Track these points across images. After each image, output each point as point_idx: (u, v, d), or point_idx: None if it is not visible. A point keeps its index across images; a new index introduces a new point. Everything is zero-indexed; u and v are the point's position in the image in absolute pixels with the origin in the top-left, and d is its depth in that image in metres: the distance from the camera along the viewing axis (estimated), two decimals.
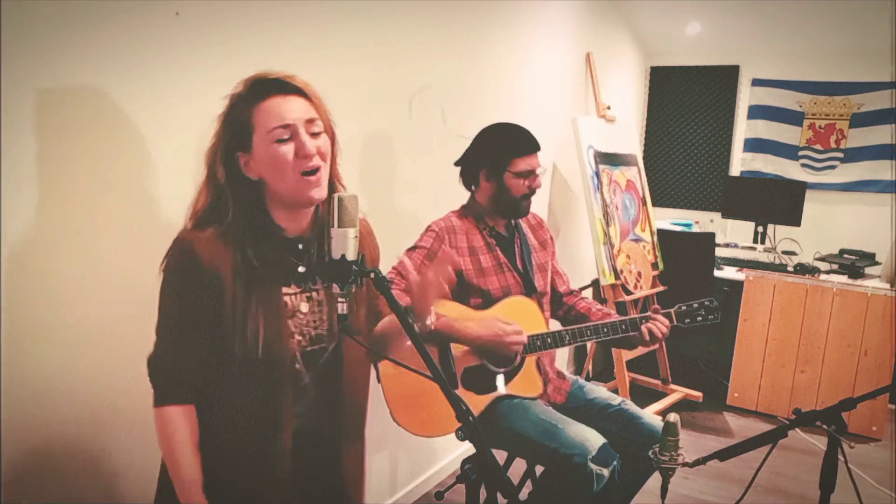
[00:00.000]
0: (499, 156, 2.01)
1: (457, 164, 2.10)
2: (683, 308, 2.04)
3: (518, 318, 1.97)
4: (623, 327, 1.97)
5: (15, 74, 1.27)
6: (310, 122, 1.19)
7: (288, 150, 1.16)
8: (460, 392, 1.89)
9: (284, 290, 1.23)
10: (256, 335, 1.17)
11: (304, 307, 1.25)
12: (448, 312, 1.87)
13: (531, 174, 2.01)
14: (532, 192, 2.04)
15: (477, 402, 1.92)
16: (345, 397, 1.33)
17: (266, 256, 1.20)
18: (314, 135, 1.19)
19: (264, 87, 1.18)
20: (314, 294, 1.27)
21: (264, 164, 1.18)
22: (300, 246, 1.25)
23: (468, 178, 2.10)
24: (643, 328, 1.96)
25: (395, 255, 1.99)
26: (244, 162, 1.19)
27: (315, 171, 1.18)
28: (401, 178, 2.45)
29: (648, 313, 2.00)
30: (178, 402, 1.19)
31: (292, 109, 1.17)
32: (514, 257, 2.09)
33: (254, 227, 1.20)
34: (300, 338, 1.25)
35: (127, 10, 1.44)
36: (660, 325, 1.96)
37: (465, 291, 1.99)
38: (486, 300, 1.99)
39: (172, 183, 1.58)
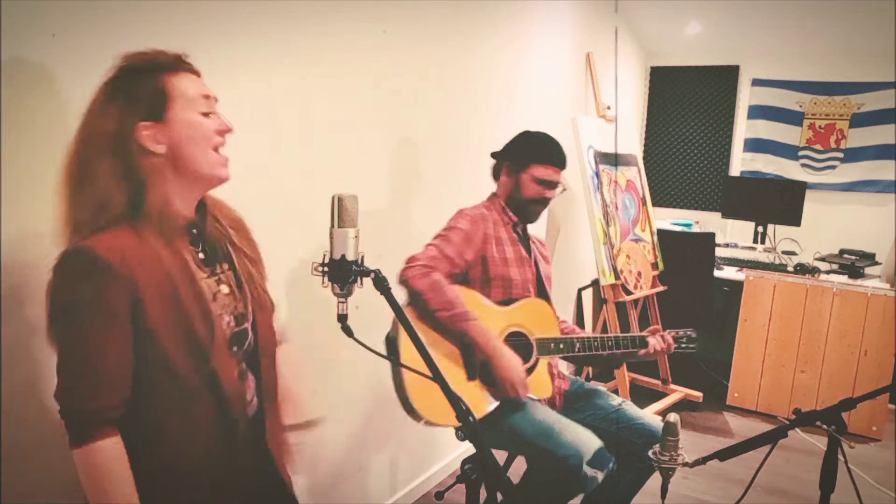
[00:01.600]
0: (524, 156, 2.10)
1: (492, 155, 2.19)
2: (673, 334, 2.18)
3: (535, 319, 2.02)
4: (626, 342, 2.07)
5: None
6: (214, 101, 1.18)
7: (211, 123, 1.15)
8: (476, 385, 1.89)
9: (198, 275, 1.16)
10: (191, 326, 1.10)
11: (225, 289, 1.22)
12: (472, 303, 1.89)
13: (546, 183, 2.08)
14: (543, 200, 2.11)
15: (488, 400, 1.91)
16: (263, 373, 1.28)
17: (174, 245, 1.13)
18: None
19: (171, 62, 1.13)
20: (223, 276, 1.23)
21: (180, 134, 1.12)
22: (194, 231, 1.21)
23: (496, 171, 2.19)
24: (649, 340, 2.08)
25: (404, 257, 1.97)
26: (148, 133, 1.10)
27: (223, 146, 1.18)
28: (403, 181, 2.45)
29: (650, 330, 2.13)
30: (105, 434, 1.05)
31: (205, 85, 1.16)
32: (532, 257, 2.15)
33: (160, 215, 1.11)
34: (228, 318, 1.21)
35: None
36: (658, 342, 2.09)
37: (489, 279, 2.01)
38: (507, 289, 2.02)
39: None
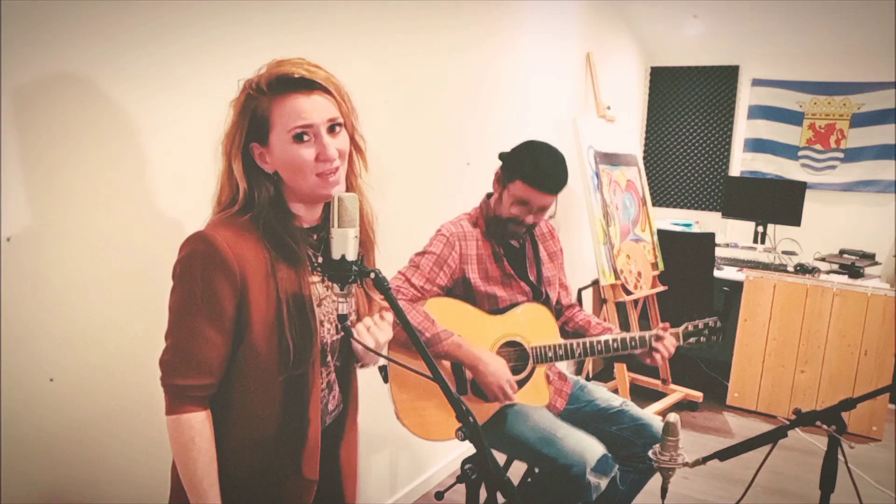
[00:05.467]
0: (513, 168, 1.91)
1: (500, 156, 1.99)
2: (690, 328, 2.02)
3: (532, 325, 1.98)
4: (633, 343, 1.95)
5: (9, 69, 1.26)
6: (331, 120, 1.15)
7: (308, 151, 1.14)
8: (469, 399, 1.88)
9: (310, 279, 1.21)
10: (285, 326, 1.14)
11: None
12: (461, 314, 1.86)
13: (525, 205, 1.90)
14: (521, 223, 1.93)
15: (485, 410, 1.91)
16: (353, 380, 1.32)
17: (289, 246, 1.17)
18: (333, 133, 1.16)
19: (286, 84, 1.12)
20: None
21: (281, 161, 1.15)
22: (315, 236, 1.25)
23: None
24: (653, 349, 1.94)
25: (401, 258, 1.97)
26: (258, 153, 1.17)
27: (334, 172, 1.17)
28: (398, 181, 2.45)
29: (657, 332, 1.96)
30: (192, 408, 1.12)
31: (314, 109, 1.13)
32: (523, 269, 2.05)
33: (276, 218, 1.17)
34: (328, 326, 1.23)
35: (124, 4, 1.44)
36: (663, 350, 1.95)
37: (472, 298, 1.95)
38: (493, 306, 1.97)
39: (176, 182, 1.58)
